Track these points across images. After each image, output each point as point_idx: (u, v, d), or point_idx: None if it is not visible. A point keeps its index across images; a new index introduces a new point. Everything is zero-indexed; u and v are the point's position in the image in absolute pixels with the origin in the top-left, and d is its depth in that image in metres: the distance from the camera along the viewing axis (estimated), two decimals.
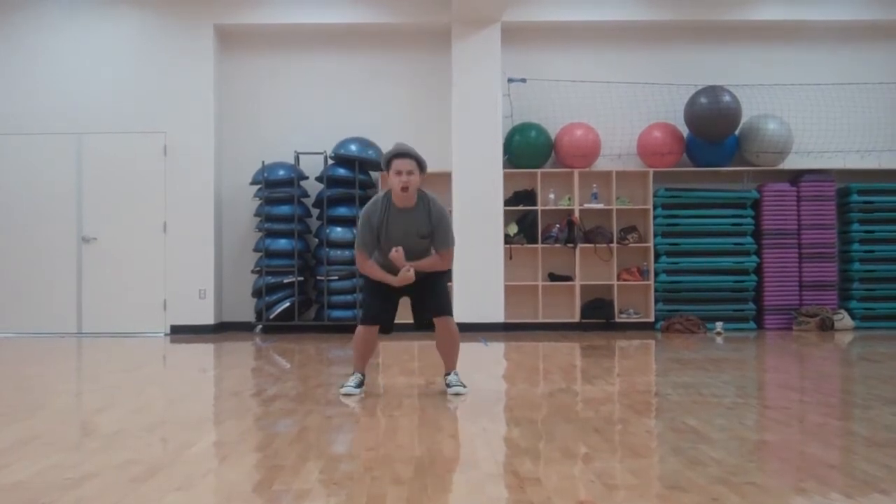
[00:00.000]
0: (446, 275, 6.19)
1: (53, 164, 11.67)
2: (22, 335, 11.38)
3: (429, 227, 5.85)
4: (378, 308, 6.00)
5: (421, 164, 5.82)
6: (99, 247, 11.63)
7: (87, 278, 11.64)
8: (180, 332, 11.46)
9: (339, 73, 12.11)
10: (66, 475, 3.68)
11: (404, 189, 5.74)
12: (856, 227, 11.69)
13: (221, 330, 11.75)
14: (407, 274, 5.76)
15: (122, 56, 11.78)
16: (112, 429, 4.85)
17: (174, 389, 6.93)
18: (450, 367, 6.09)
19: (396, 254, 5.76)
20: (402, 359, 8.71)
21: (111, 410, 5.58)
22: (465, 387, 5.95)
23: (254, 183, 11.57)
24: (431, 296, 5.97)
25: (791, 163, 11.87)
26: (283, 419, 5.10)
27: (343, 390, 5.92)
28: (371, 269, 5.91)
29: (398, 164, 5.74)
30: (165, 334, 11.53)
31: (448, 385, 5.99)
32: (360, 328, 6.04)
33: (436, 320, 6.00)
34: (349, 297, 11.39)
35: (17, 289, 11.58)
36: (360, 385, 5.98)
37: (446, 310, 6.03)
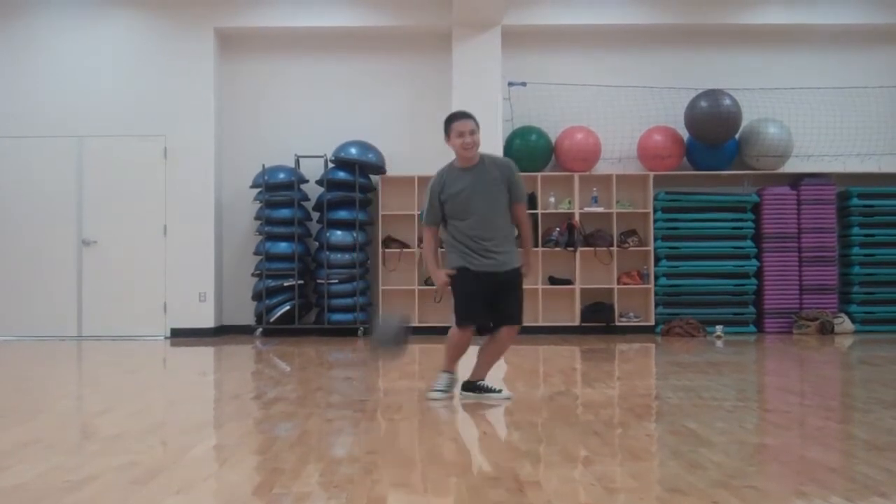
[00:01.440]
0: (522, 281, 5.95)
1: (54, 166, 11.67)
2: (22, 338, 11.38)
3: (500, 175, 5.76)
4: (472, 307, 5.81)
5: (478, 124, 5.79)
6: (99, 250, 11.63)
7: (87, 281, 11.63)
8: (180, 336, 11.45)
9: (340, 76, 12.12)
10: (66, 478, 3.69)
11: (466, 149, 5.70)
12: (856, 230, 11.69)
13: (221, 333, 11.75)
14: (441, 279, 5.74)
15: (123, 59, 11.79)
16: (112, 432, 4.85)
17: (174, 392, 6.93)
18: (482, 374, 5.99)
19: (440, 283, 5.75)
20: (403, 362, 8.69)
21: (111, 413, 5.58)
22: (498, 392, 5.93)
23: (254, 186, 11.57)
24: (512, 301, 5.85)
25: (791, 166, 11.88)
26: (284, 422, 5.10)
27: (431, 395, 5.83)
28: (427, 251, 5.90)
29: (459, 125, 5.71)
30: (165, 337, 11.53)
31: (485, 389, 5.92)
32: (454, 330, 5.87)
33: (506, 329, 5.89)
34: (349, 301, 11.39)
35: (18, 292, 11.58)
36: (450, 386, 5.88)
37: (518, 319, 5.94)
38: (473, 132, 5.70)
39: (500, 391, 5.91)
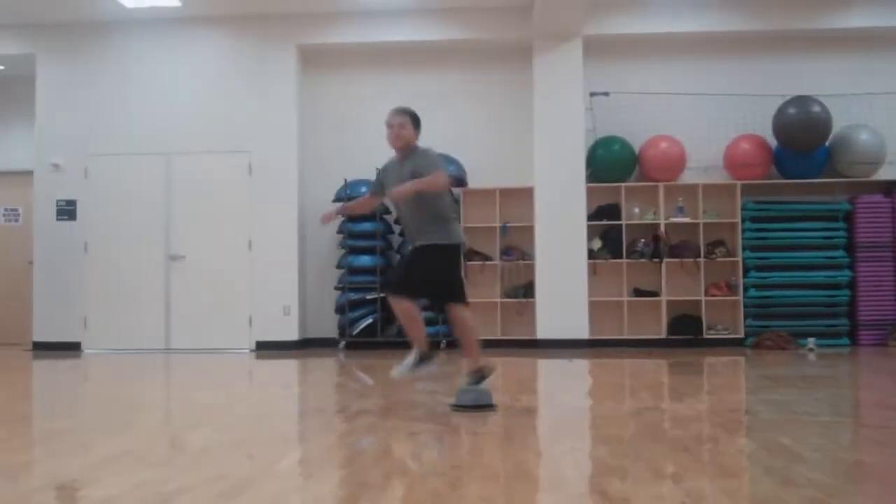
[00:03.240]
0: (452, 261, 6.19)
1: (144, 183, 11.94)
2: (112, 351, 11.63)
3: (415, 166, 6.09)
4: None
5: (414, 118, 6.31)
6: (187, 264, 11.84)
7: (175, 295, 11.85)
8: (265, 349, 11.59)
9: (420, 89, 12.15)
10: (156, 490, 3.72)
11: (390, 139, 6.28)
12: None
13: (305, 346, 11.85)
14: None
15: (209, 77, 12.02)
16: (200, 445, 4.90)
17: (260, 405, 6.99)
18: (464, 354, 6.29)
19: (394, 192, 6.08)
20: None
21: (199, 426, 5.64)
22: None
23: (336, 200, 11.67)
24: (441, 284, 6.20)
25: (884, 174, 11.57)
26: (368, 436, 5.10)
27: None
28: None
29: (388, 118, 6.31)
30: (251, 350, 11.68)
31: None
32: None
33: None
34: (430, 314, 11.38)
35: (108, 306, 11.85)
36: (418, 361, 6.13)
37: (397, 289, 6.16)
38: (402, 126, 6.22)
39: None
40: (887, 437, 4.99)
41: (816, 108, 11.11)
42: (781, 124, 11.23)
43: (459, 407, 5.92)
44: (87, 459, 4.54)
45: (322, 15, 11.85)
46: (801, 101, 11.21)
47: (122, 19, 11.93)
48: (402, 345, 11.38)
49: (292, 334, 11.68)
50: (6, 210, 13.51)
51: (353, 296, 11.49)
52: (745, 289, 11.40)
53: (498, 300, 11.63)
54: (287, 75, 11.91)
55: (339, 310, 11.63)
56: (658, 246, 11.47)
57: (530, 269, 11.63)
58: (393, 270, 6.38)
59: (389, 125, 6.28)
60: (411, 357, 6.08)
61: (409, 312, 6.06)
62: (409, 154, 6.22)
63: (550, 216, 11.39)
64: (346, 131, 12.21)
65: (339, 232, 11.68)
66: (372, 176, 11.70)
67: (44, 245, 12.03)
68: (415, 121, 6.31)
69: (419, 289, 6.10)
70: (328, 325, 11.95)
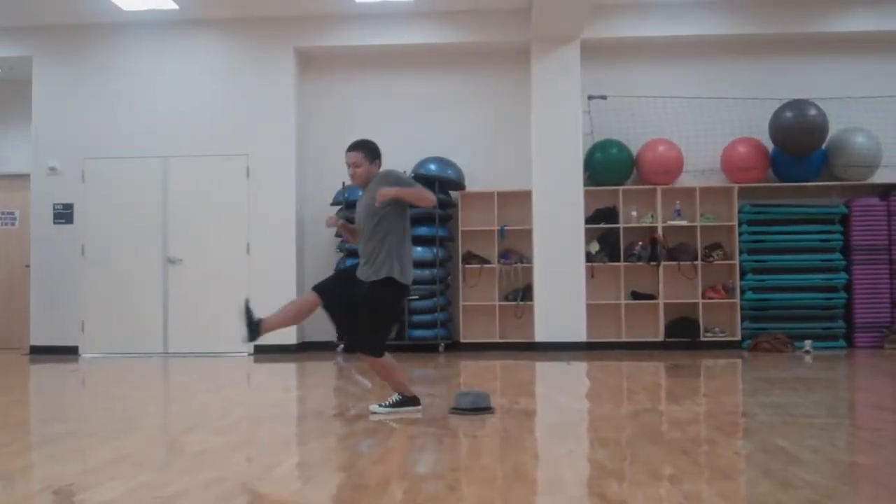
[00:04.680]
0: (375, 309, 6.00)
1: (141, 187, 11.92)
2: (110, 355, 11.62)
3: (372, 192, 5.96)
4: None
5: (367, 150, 6.14)
6: (184, 268, 11.83)
7: (173, 299, 11.84)
8: (264, 352, 11.57)
9: (419, 93, 12.17)
10: (155, 494, 3.73)
11: (352, 178, 6.17)
12: None
13: (304, 350, 11.84)
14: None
15: (206, 80, 12.00)
16: (199, 448, 4.91)
17: (258, 409, 7.00)
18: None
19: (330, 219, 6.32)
20: (485, 378, 8.68)
21: (197, 430, 5.64)
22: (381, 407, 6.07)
23: (335, 203, 11.66)
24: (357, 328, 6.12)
25: (880, 177, 11.57)
26: (367, 439, 5.11)
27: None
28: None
29: (346, 157, 6.16)
30: (249, 354, 11.66)
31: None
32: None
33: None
34: (429, 317, 11.40)
35: (106, 309, 11.82)
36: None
37: (357, 345, 6.12)
38: (357, 165, 6.09)
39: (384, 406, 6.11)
40: (883, 439, 5.01)
41: (813, 112, 11.12)
42: (778, 127, 11.24)
43: (458, 410, 5.94)
44: (85, 464, 4.55)
45: (320, 18, 11.85)
46: (798, 104, 11.22)
47: (120, 22, 11.92)
48: (401, 348, 11.43)
49: (291, 338, 11.65)
50: (3, 213, 13.50)
51: None
52: (742, 291, 11.40)
53: (496, 303, 11.63)
54: (285, 78, 11.90)
55: None
56: (655, 249, 11.48)
57: (528, 272, 11.63)
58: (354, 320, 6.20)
59: (348, 165, 6.16)
60: (394, 397, 6.11)
61: (382, 366, 6.05)
62: (369, 184, 6.10)
63: (548, 219, 11.39)
64: (344, 134, 12.15)
65: (338, 235, 11.67)
66: None
67: (41, 249, 12.01)
68: (368, 152, 6.14)
69: (382, 334, 6.08)
70: (327, 329, 11.87)
